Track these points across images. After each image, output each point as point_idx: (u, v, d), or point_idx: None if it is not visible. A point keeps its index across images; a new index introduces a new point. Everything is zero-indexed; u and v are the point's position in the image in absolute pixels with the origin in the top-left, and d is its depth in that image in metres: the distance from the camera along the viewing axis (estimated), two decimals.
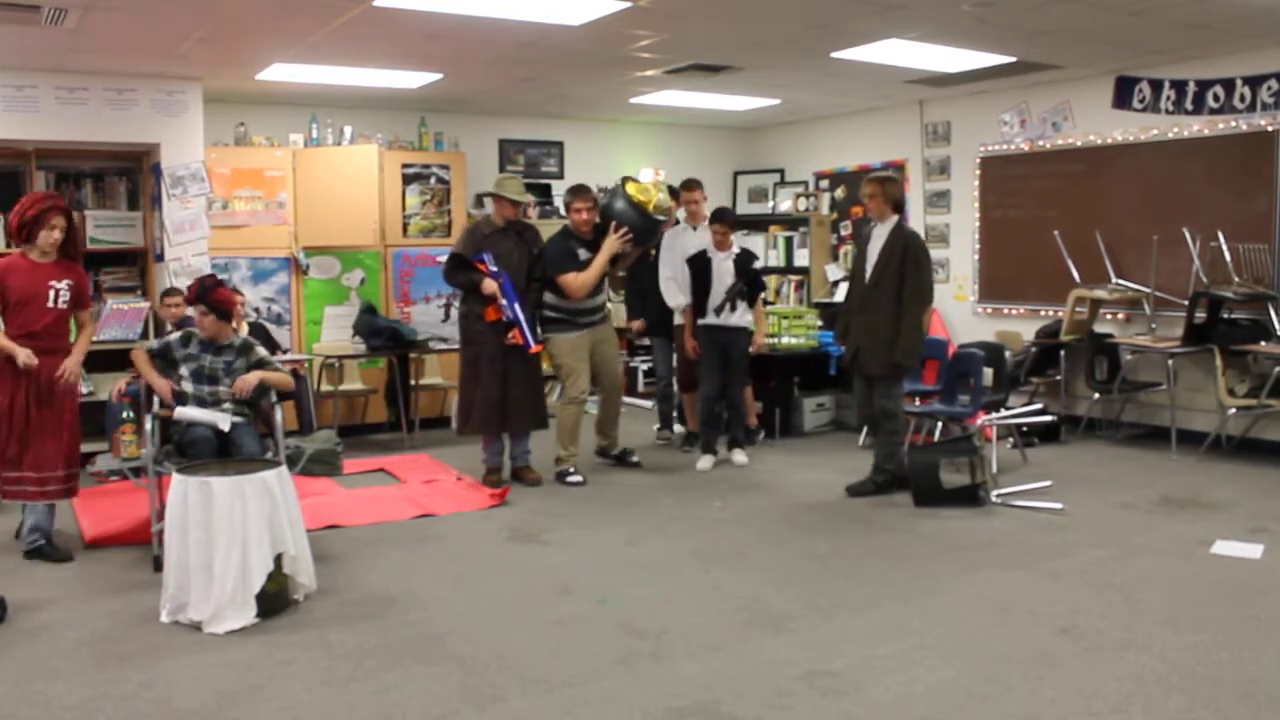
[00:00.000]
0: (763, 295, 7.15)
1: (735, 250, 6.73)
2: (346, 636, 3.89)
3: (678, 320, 7.07)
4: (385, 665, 3.62)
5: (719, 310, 6.63)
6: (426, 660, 3.66)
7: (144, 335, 7.17)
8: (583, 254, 6.25)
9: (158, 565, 4.47)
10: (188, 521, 4.00)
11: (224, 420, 4.81)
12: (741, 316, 6.69)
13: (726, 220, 6.75)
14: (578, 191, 6.37)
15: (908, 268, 5.66)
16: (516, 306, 6.03)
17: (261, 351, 5.17)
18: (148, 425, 4.76)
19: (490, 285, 6.01)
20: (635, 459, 6.77)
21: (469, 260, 6.09)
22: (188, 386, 4.95)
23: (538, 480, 6.29)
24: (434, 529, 5.43)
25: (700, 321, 6.72)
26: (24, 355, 4.71)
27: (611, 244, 6.19)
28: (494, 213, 6.27)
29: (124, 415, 4.85)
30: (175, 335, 5.10)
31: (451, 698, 3.35)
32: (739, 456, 6.81)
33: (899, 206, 5.90)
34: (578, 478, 6.31)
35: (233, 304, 5.14)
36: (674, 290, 6.94)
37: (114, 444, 4.88)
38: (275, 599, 4.09)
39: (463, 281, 6.15)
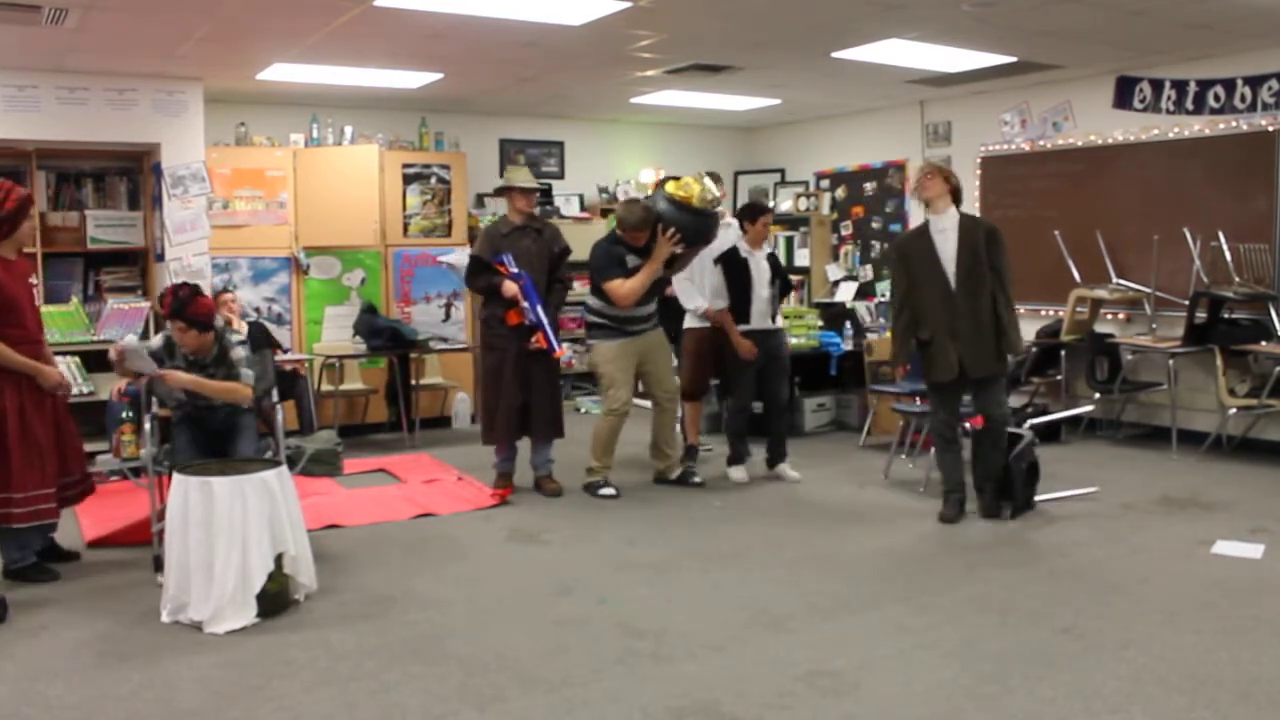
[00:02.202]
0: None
1: (767, 249, 6.44)
2: (346, 636, 3.89)
3: (689, 323, 6.58)
4: (385, 665, 3.62)
5: (768, 315, 6.31)
6: (426, 660, 3.66)
7: (144, 335, 7.17)
8: (631, 260, 5.90)
9: (158, 565, 4.47)
10: (188, 521, 3.99)
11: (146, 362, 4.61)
12: (779, 318, 6.46)
13: (769, 211, 6.41)
14: (638, 223, 5.86)
15: (996, 254, 5.27)
16: (539, 309, 5.77)
17: (239, 353, 4.73)
18: (147, 425, 4.75)
19: (511, 288, 5.76)
20: (698, 479, 6.27)
21: (489, 263, 5.86)
22: (182, 395, 4.74)
23: (558, 491, 6.04)
24: (434, 529, 5.43)
25: (742, 327, 6.24)
26: (56, 375, 4.55)
27: (662, 249, 5.83)
28: (509, 210, 6.03)
29: (124, 415, 4.84)
30: (159, 343, 4.74)
31: (451, 698, 3.35)
32: (790, 472, 6.42)
33: (957, 196, 5.39)
34: (609, 490, 6.01)
35: (212, 313, 4.70)
36: (691, 292, 6.45)
37: (114, 444, 4.86)
38: (275, 599, 4.09)
39: (483, 285, 5.91)
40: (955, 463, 5.49)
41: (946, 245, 5.29)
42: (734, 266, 6.27)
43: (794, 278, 9.62)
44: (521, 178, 6.04)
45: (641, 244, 5.91)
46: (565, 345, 6.14)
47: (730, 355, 6.31)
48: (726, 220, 6.68)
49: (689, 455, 6.73)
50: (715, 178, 6.44)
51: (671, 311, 6.61)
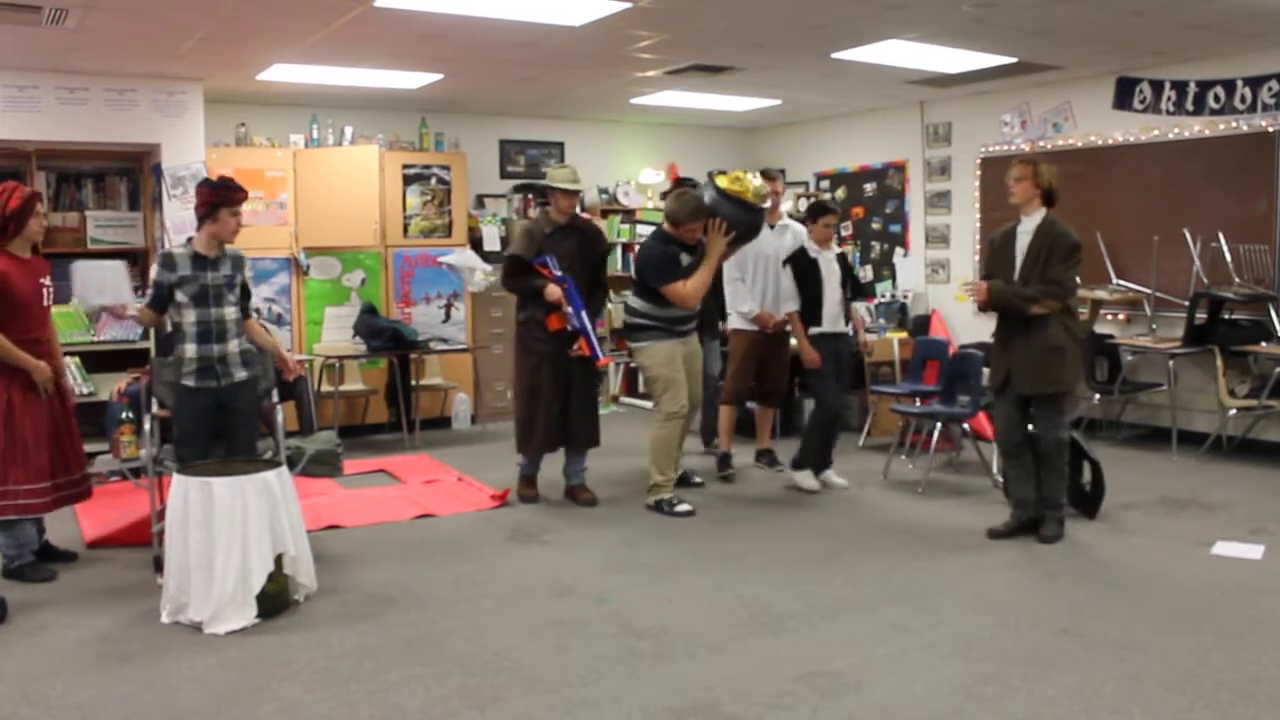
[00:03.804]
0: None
1: (836, 249, 6.23)
2: (346, 636, 3.89)
3: (737, 325, 6.35)
4: (385, 665, 3.62)
5: (840, 317, 6.10)
6: (426, 660, 3.66)
7: (144, 336, 7.18)
8: (685, 259, 5.60)
9: (158, 565, 4.47)
10: (188, 522, 4.00)
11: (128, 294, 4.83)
12: (845, 321, 6.23)
13: (831, 211, 6.15)
14: (694, 213, 5.54)
15: (1052, 263, 4.86)
16: (583, 314, 5.55)
17: (248, 270, 4.78)
18: (147, 425, 4.75)
19: (554, 291, 5.49)
20: (698, 479, 6.21)
21: (529, 263, 5.59)
22: (190, 314, 4.52)
23: (593, 500, 5.83)
24: (434, 529, 5.43)
25: (814, 330, 6.00)
26: (46, 371, 4.54)
27: (719, 244, 5.52)
28: (551, 209, 5.78)
29: (123, 416, 4.84)
30: (155, 268, 4.63)
31: (451, 698, 3.35)
32: (837, 479, 6.19)
33: (1049, 198, 5.01)
34: (686, 506, 5.64)
35: None
36: (742, 293, 6.27)
37: (114, 444, 4.86)
38: (275, 599, 4.09)
39: (523, 287, 5.63)
40: (1017, 477, 5.16)
41: (1021, 251, 4.99)
42: (803, 267, 6.03)
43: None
44: (563, 178, 5.75)
45: (695, 240, 5.60)
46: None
47: (788, 360, 6.14)
48: (783, 222, 6.45)
49: (724, 463, 6.50)
50: (769, 176, 6.26)
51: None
